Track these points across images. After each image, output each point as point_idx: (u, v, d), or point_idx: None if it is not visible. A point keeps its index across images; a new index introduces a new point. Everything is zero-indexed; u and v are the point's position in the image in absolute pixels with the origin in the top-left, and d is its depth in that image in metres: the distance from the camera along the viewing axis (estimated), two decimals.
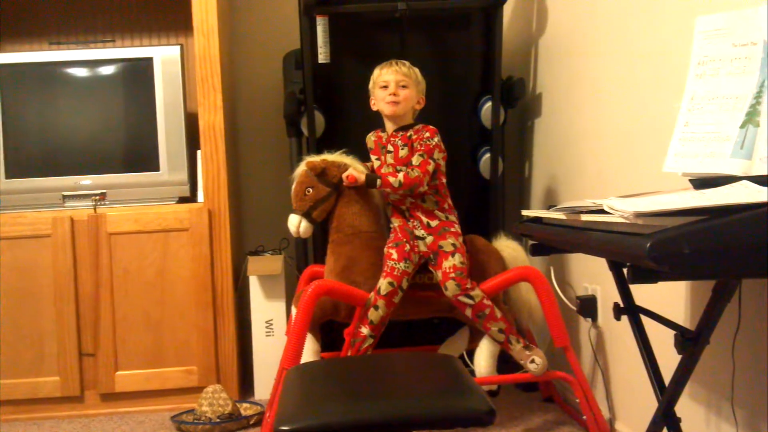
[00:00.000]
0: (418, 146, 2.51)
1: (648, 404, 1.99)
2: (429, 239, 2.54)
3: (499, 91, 2.97)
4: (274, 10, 3.54)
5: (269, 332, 3.15)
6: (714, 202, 1.22)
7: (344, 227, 2.60)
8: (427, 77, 2.63)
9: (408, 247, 2.53)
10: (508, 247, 2.73)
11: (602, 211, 1.39)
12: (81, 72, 3.12)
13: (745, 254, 1.14)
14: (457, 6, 2.98)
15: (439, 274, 2.50)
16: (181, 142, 3.11)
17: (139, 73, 3.10)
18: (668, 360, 1.74)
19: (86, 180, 3.09)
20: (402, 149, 2.55)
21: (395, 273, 2.49)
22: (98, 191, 3.08)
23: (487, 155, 3.00)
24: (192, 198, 3.15)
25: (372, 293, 2.50)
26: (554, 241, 1.77)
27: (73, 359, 2.99)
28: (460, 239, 2.56)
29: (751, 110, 1.42)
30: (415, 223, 2.56)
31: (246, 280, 3.18)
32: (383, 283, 2.50)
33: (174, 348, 3.05)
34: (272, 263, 3.14)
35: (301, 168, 2.64)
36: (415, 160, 2.50)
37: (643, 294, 1.89)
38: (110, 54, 3.14)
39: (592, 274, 2.68)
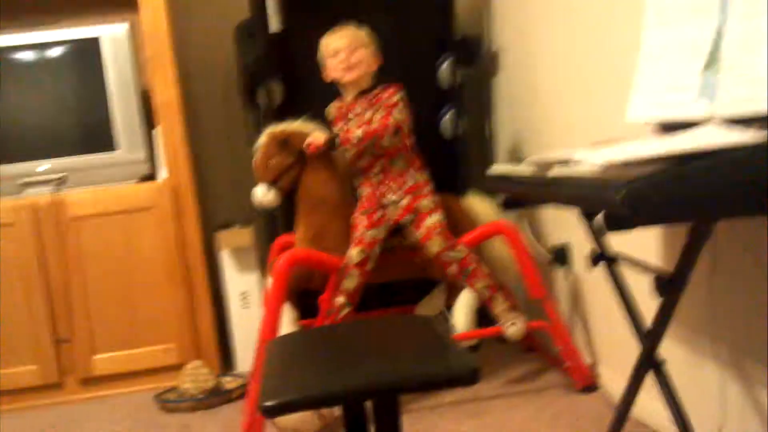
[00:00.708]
0: (380, 107, 2.46)
1: (630, 347, 2.02)
2: (404, 201, 2.51)
3: (456, 49, 2.93)
4: None
5: (245, 304, 3.13)
6: (684, 147, 1.21)
7: (311, 196, 2.58)
8: (383, 40, 2.58)
9: (378, 215, 2.51)
10: (478, 204, 2.73)
11: (571, 162, 1.38)
12: (28, 56, 3.02)
13: (723, 196, 1.14)
14: None
15: (421, 233, 2.48)
16: (137, 121, 3.04)
17: (88, 53, 3.01)
18: (646, 307, 1.76)
19: (44, 165, 3.02)
20: (365, 114, 2.49)
21: (365, 240, 2.48)
22: (57, 175, 3.01)
23: (448, 115, 2.98)
24: (153, 176, 3.10)
25: (345, 261, 2.49)
26: (525, 195, 1.77)
27: (48, 346, 2.96)
28: (437, 198, 2.54)
29: (710, 55, 1.41)
30: (386, 189, 2.53)
31: (217, 254, 3.15)
32: (354, 252, 2.48)
33: (150, 327, 3.02)
34: (242, 236, 3.12)
35: (264, 138, 2.59)
36: (375, 117, 2.46)
37: (617, 241, 1.90)
38: (56, 36, 3.04)
39: (565, 225, 2.69)
